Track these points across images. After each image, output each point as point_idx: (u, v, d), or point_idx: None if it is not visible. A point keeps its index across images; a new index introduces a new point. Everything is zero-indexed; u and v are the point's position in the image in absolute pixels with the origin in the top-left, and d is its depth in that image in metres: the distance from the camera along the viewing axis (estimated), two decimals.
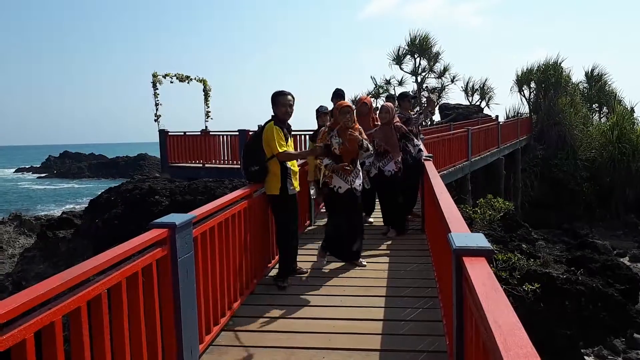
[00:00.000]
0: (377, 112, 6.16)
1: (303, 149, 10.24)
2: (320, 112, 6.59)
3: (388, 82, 24.69)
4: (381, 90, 24.28)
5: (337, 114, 4.71)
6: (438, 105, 24.05)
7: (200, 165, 13.26)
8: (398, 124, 5.97)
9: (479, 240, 2.11)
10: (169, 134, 13.99)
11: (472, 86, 24.73)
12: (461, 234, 2.24)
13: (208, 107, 15.62)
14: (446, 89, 24.28)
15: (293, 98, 4.44)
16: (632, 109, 22.92)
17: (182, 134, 14.06)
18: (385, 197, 6.15)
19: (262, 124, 4.47)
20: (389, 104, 6.11)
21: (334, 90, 7.15)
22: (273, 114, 4.41)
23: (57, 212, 24.22)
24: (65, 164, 58.82)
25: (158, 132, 14.07)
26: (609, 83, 25.05)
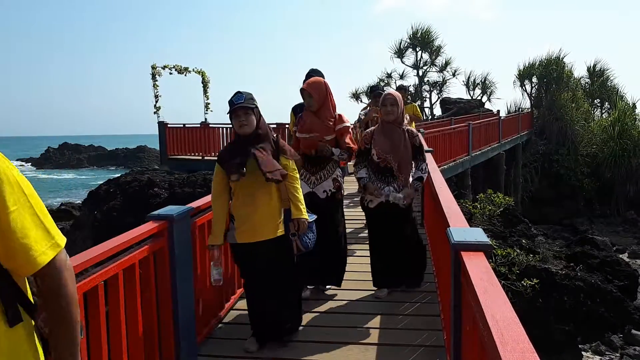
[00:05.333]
0: (381, 105, 3.87)
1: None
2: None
3: (389, 76, 24.63)
4: (382, 84, 24.22)
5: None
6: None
7: (200, 157, 13.24)
8: (411, 129, 3.90)
9: (478, 235, 2.10)
10: (168, 126, 13.96)
11: (474, 80, 24.66)
12: (460, 229, 2.23)
13: (207, 99, 15.57)
14: (447, 83, 24.24)
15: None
16: (634, 105, 22.81)
17: (182, 126, 14.03)
18: (394, 240, 3.89)
19: None
20: (397, 93, 3.88)
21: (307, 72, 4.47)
22: None
23: (55, 203, 24.23)
24: (65, 155, 58.79)
25: (157, 124, 14.04)
26: (611, 78, 24.97)
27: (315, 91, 3.76)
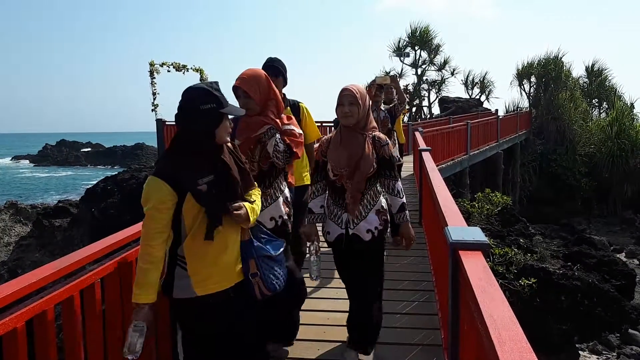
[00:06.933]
0: (337, 104, 2.76)
1: None
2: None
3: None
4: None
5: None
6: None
7: None
8: (379, 135, 2.78)
9: (476, 234, 2.09)
10: (167, 123, 13.92)
11: (472, 79, 24.70)
12: (458, 228, 2.22)
13: None
14: (446, 82, 24.29)
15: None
16: (631, 104, 22.95)
17: None
18: (360, 287, 2.83)
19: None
20: (358, 87, 2.78)
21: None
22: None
23: (53, 200, 24.19)
24: (62, 152, 58.72)
25: (155, 122, 14.01)
26: (609, 78, 25.04)
27: (254, 89, 2.64)
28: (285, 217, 2.73)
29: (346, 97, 2.71)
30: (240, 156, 2.22)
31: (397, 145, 5.49)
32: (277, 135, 2.66)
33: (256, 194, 2.28)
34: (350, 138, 2.74)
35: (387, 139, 2.80)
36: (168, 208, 1.98)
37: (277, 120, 2.70)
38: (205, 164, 2.05)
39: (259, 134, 2.65)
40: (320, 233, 2.90)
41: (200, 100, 2.01)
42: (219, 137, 2.06)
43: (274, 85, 2.73)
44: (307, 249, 2.89)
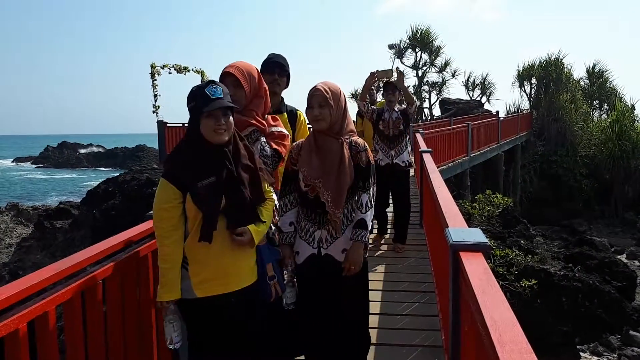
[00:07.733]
0: (306, 107, 2.43)
1: None
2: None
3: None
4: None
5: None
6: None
7: None
8: (357, 140, 2.44)
9: (476, 235, 2.09)
10: (168, 125, 13.95)
11: (473, 81, 24.72)
12: (458, 229, 2.22)
13: None
14: (447, 84, 24.32)
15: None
16: (632, 106, 22.89)
17: (181, 125, 14.02)
18: (329, 313, 2.45)
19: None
20: (330, 85, 2.43)
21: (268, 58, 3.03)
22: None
23: (54, 202, 24.20)
24: (64, 154, 58.76)
25: (157, 124, 14.03)
26: (610, 80, 25.04)
27: (246, 78, 2.40)
28: (274, 229, 2.48)
29: (315, 99, 2.37)
30: (256, 163, 2.15)
31: (408, 148, 5.26)
32: (262, 139, 2.44)
33: (267, 208, 2.22)
34: (324, 144, 2.39)
35: (366, 144, 2.45)
36: (174, 207, 2.01)
37: (263, 121, 2.46)
38: (207, 165, 2.03)
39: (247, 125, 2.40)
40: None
41: (187, 100, 2.05)
42: (207, 136, 2.02)
43: (264, 84, 2.50)
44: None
